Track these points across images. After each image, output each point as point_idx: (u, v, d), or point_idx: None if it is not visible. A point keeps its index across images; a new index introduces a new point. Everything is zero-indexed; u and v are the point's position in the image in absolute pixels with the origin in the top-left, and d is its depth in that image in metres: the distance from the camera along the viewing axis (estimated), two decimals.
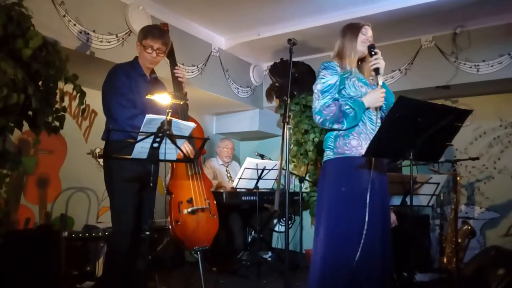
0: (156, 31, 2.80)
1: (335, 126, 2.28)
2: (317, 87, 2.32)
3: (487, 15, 3.94)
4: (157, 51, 2.77)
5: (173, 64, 3.32)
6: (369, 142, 2.20)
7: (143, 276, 2.76)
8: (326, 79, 2.31)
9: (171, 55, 3.33)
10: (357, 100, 2.29)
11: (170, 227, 3.24)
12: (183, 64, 4.24)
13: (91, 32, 3.39)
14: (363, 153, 2.21)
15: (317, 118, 2.30)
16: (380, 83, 2.31)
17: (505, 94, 4.53)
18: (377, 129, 2.23)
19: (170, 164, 3.49)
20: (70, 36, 3.23)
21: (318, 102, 2.29)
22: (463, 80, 4.22)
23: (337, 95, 2.31)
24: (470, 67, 4.18)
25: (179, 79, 3.20)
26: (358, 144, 2.28)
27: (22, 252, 2.78)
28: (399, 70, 4.55)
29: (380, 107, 2.34)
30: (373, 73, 2.35)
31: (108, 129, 2.27)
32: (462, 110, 2.29)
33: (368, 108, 2.31)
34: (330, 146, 2.34)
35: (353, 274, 2.15)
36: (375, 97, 2.28)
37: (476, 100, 4.66)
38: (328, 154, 2.35)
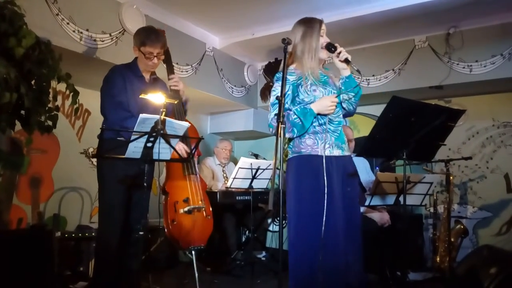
0: (153, 36, 2.75)
1: (287, 135, 2.33)
2: (269, 100, 2.38)
3: (480, 15, 3.96)
4: (157, 56, 2.76)
5: (170, 70, 3.23)
6: (327, 142, 2.28)
7: (136, 276, 2.75)
8: (276, 92, 2.32)
9: (168, 61, 3.25)
10: (305, 108, 2.31)
11: (165, 226, 3.22)
12: (177, 63, 4.23)
13: (85, 31, 3.37)
14: (319, 151, 2.27)
15: (270, 130, 2.34)
16: (348, 72, 2.35)
17: (498, 94, 4.56)
18: (337, 129, 2.33)
19: (165, 164, 3.47)
20: (63, 35, 3.21)
21: (269, 115, 2.34)
22: (456, 80, 4.24)
23: (287, 105, 2.32)
24: (463, 67, 4.21)
25: (173, 87, 3.11)
26: (313, 143, 2.32)
27: (14, 252, 2.76)
28: (393, 70, 4.57)
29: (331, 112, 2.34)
30: (343, 65, 2.35)
31: (101, 128, 2.26)
32: (455, 110, 2.31)
33: (319, 114, 2.32)
34: (290, 146, 2.41)
35: (316, 271, 2.19)
36: (323, 105, 2.29)
37: (469, 100, 4.69)
38: (289, 154, 2.42)
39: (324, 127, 2.33)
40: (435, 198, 4.34)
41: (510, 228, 4.40)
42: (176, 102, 2.90)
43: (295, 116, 2.30)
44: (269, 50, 4.97)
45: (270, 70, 5.16)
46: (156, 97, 2.54)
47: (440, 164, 4.11)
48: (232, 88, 5.07)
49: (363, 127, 4.96)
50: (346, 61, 2.31)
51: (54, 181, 3.95)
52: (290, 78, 2.35)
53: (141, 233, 2.43)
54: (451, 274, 3.69)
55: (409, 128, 2.18)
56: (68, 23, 3.25)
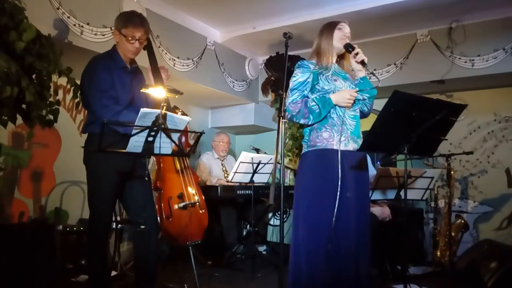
0: (137, 19, 2.62)
1: (302, 122, 2.37)
2: (290, 85, 2.42)
3: (482, 9, 3.94)
4: (139, 40, 2.61)
5: (152, 61, 2.94)
6: (343, 134, 2.32)
7: (154, 269, 2.74)
8: (296, 78, 2.39)
9: (149, 50, 2.96)
10: (324, 97, 2.35)
11: (160, 223, 3.19)
12: (178, 57, 4.23)
13: (85, 25, 3.36)
14: (335, 145, 2.30)
15: (286, 114, 2.39)
16: (363, 74, 2.40)
17: (500, 88, 4.55)
18: (352, 123, 2.38)
19: (155, 159, 3.44)
20: (64, 28, 3.20)
21: (287, 99, 2.39)
22: (458, 75, 4.23)
23: (306, 92, 2.38)
24: (465, 62, 4.19)
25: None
26: (329, 136, 2.34)
27: (16, 246, 2.77)
28: (395, 64, 4.56)
29: (352, 104, 2.39)
30: (358, 66, 2.40)
31: (102, 122, 2.23)
32: (456, 105, 2.30)
33: (336, 105, 2.35)
34: (305, 140, 2.44)
35: (326, 263, 2.22)
36: (342, 97, 2.33)
37: (470, 95, 4.68)
38: (304, 148, 2.44)
39: (342, 119, 2.35)
40: (436, 192, 4.35)
41: (511, 222, 4.41)
42: (176, 96, 2.88)
43: (314, 103, 2.33)
44: (270, 44, 4.95)
45: (272, 64, 5.14)
46: (157, 91, 2.54)
47: (441, 158, 4.11)
48: (233, 82, 5.06)
49: (365, 122, 4.89)
50: (363, 63, 2.35)
51: (56, 175, 3.96)
52: (311, 66, 2.40)
53: (142, 226, 2.44)
54: (451, 268, 3.70)
55: (411, 123, 2.17)
56: (68, 17, 3.24)
